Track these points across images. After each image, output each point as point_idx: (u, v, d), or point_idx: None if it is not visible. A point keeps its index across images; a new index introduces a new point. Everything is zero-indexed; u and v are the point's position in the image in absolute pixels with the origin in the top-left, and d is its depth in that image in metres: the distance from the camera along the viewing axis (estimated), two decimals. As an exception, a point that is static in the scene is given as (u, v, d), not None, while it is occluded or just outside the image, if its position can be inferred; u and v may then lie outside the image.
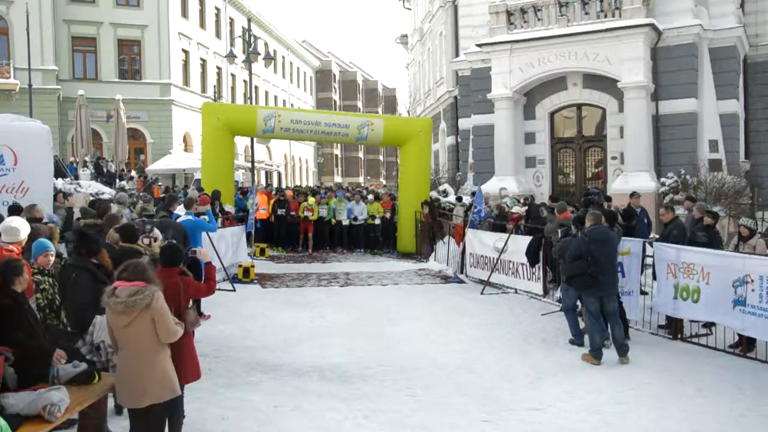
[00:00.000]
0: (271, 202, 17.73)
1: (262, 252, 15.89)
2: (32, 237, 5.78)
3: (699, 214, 9.57)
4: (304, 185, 36.92)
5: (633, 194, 11.98)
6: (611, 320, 7.67)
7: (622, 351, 7.53)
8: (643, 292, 9.38)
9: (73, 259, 5.35)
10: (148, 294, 4.11)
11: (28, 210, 7.91)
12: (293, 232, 17.79)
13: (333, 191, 20.80)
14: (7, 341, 4.11)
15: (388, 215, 18.37)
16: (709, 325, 8.50)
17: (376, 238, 18.42)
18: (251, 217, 15.80)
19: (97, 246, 5.41)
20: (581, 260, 7.52)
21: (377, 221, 18.21)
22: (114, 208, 10.63)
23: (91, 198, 11.97)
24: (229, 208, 15.05)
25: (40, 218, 7.83)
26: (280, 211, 17.55)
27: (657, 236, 10.62)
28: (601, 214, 8.06)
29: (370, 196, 19.83)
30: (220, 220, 13.54)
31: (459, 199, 17.19)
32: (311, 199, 17.93)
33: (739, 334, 8.00)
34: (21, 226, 5.90)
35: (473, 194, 15.40)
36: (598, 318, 7.61)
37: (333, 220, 17.77)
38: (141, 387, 4.17)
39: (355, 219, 17.95)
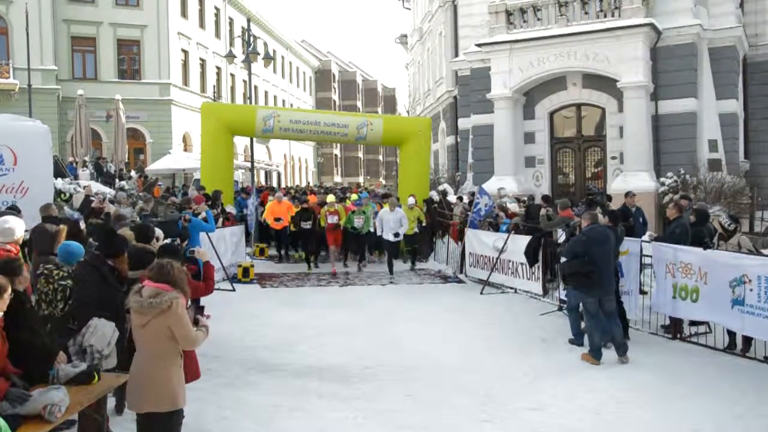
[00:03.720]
0: (288, 210, 15.10)
1: (262, 252, 15.89)
2: (41, 237, 5.78)
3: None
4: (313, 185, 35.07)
5: (628, 194, 12.00)
6: (610, 320, 7.67)
7: (622, 351, 7.53)
8: (642, 292, 9.39)
9: (89, 257, 5.31)
10: (166, 299, 3.99)
11: (44, 209, 7.92)
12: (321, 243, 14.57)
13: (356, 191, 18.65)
14: (9, 341, 4.11)
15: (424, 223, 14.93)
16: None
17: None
18: (251, 218, 15.91)
19: (120, 250, 5.33)
20: (578, 259, 7.53)
21: (416, 230, 14.38)
22: (112, 208, 10.68)
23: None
24: (230, 208, 15.04)
25: (55, 217, 7.83)
26: (305, 225, 14.06)
27: (654, 235, 10.65)
28: (597, 214, 8.07)
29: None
30: (220, 220, 13.58)
31: (460, 198, 17.18)
32: (331, 197, 15.01)
33: (730, 337, 8.01)
34: (16, 226, 5.89)
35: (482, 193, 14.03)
36: (596, 318, 7.62)
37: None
38: (143, 392, 4.10)
39: (396, 235, 13.71)
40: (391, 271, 13.54)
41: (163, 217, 9.17)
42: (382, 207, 14.63)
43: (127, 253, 5.32)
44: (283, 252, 15.81)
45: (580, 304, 8.22)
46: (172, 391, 4.13)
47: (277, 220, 15.07)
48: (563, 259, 8.29)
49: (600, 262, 7.50)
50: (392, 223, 13.43)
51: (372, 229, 14.05)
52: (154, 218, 9.74)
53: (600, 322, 7.61)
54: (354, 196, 16.10)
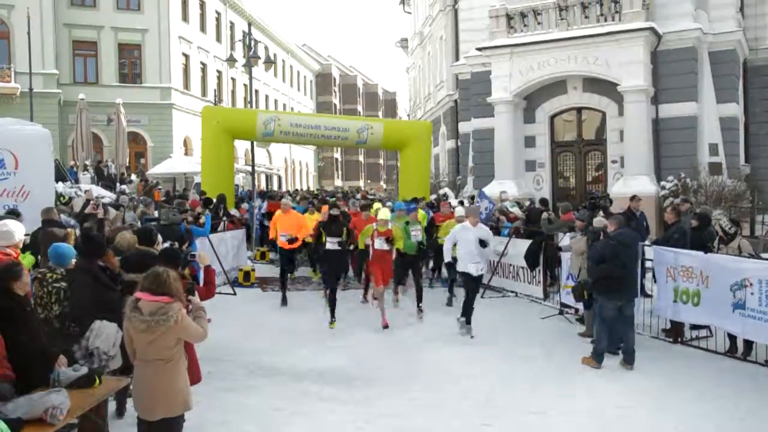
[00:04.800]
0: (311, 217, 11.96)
1: (263, 255, 15.89)
2: (48, 240, 5.80)
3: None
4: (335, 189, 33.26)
5: (633, 197, 11.97)
6: (626, 326, 7.59)
7: (630, 359, 7.48)
8: (646, 295, 9.36)
9: (79, 261, 5.34)
10: (171, 314, 3.98)
11: (46, 212, 7.92)
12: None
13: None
14: (10, 344, 4.11)
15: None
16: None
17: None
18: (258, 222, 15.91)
19: (102, 248, 5.36)
20: (605, 264, 7.48)
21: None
22: (112, 212, 10.69)
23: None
24: (234, 212, 15.03)
25: (57, 221, 7.83)
26: (331, 243, 9.44)
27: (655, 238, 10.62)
28: (623, 218, 8.01)
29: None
30: (224, 223, 13.60)
31: (461, 203, 17.17)
32: (376, 207, 10.59)
33: (731, 340, 8.00)
34: (15, 229, 5.89)
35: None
36: (608, 324, 7.54)
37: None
38: (155, 400, 4.09)
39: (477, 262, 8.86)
40: (469, 320, 8.89)
41: (165, 220, 9.18)
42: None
43: (131, 257, 5.35)
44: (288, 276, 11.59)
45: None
46: (183, 394, 4.18)
47: (291, 241, 11.06)
48: (568, 261, 8.26)
49: (628, 266, 7.46)
50: (474, 245, 8.64)
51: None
52: (155, 221, 9.75)
53: (609, 328, 7.55)
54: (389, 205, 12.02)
